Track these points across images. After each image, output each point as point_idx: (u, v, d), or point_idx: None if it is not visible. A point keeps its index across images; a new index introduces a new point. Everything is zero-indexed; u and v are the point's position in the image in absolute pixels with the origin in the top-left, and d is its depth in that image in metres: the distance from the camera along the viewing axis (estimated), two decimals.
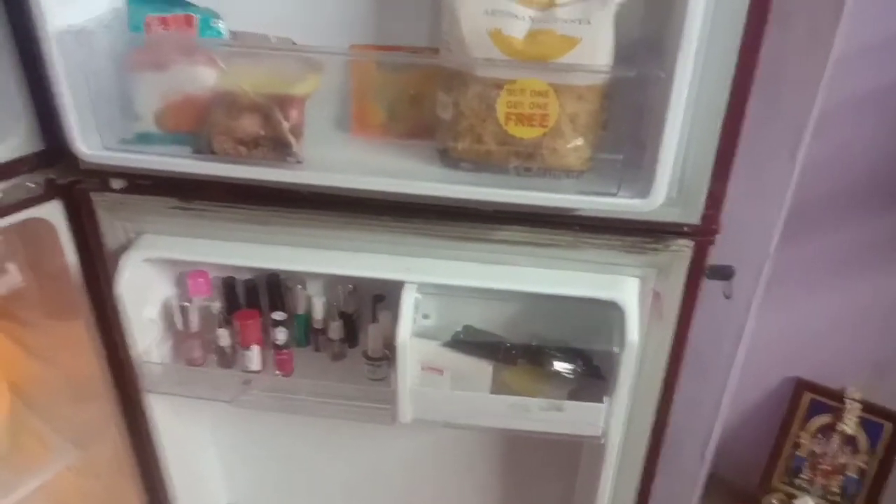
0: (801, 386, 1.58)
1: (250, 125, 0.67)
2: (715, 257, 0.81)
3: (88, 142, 0.71)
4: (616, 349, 0.77)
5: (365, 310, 0.92)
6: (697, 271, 0.76)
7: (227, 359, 0.88)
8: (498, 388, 0.81)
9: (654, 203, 0.64)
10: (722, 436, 1.51)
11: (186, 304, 0.85)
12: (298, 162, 0.68)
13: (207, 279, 0.86)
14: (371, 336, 0.87)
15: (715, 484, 1.58)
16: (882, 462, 1.46)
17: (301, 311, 0.90)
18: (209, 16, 0.69)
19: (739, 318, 1.38)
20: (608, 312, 0.77)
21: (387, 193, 0.71)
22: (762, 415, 1.61)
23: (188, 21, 0.69)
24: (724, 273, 0.81)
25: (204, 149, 0.68)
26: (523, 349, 0.82)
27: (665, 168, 0.62)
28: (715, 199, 0.71)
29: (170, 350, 0.89)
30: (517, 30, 0.60)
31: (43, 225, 0.87)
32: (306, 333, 0.92)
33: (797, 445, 1.55)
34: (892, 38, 1.26)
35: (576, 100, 0.62)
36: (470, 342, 0.82)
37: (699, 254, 0.75)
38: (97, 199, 0.83)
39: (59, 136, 0.80)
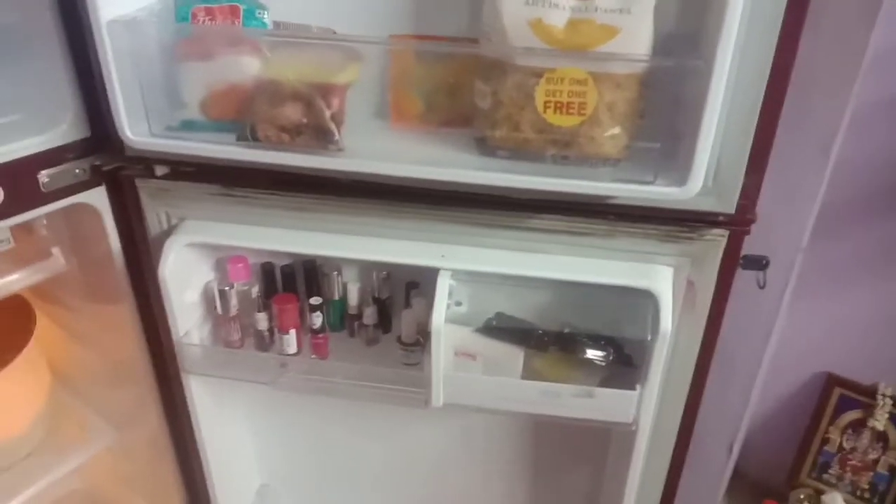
0: (832, 381, 1.57)
1: (293, 113, 0.68)
2: (748, 248, 0.81)
3: (135, 129, 0.73)
4: (649, 337, 0.77)
5: (398, 296, 0.93)
6: (731, 261, 0.77)
7: (265, 342, 0.90)
8: (529, 374, 0.83)
9: (690, 192, 0.64)
10: (749, 429, 1.51)
11: (226, 288, 0.88)
12: (339, 149, 0.69)
13: (247, 264, 0.88)
14: (405, 322, 0.88)
15: (741, 478, 1.58)
16: None
17: (336, 296, 0.92)
18: (254, 6, 0.71)
19: (771, 311, 1.38)
20: (640, 301, 0.77)
21: (424, 181, 0.72)
22: (791, 409, 1.61)
23: (233, 11, 0.71)
24: (759, 263, 0.81)
25: (247, 136, 0.70)
26: (555, 336, 0.83)
27: (702, 157, 0.63)
28: (750, 190, 0.71)
29: (209, 333, 0.92)
30: (557, 19, 0.61)
31: (87, 210, 0.90)
32: (341, 318, 0.94)
33: (826, 441, 1.54)
34: None
35: (614, 88, 0.63)
36: (502, 328, 0.83)
37: (734, 243, 0.75)
38: (141, 185, 0.85)
39: (104, 123, 0.83)
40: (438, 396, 0.83)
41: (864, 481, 1.52)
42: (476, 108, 0.69)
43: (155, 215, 0.87)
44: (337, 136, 0.69)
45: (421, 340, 0.89)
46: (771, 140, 0.69)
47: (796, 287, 1.44)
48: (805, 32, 1.04)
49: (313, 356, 0.90)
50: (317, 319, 0.88)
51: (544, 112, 0.64)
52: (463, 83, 0.69)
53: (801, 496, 1.55)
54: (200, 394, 0.94)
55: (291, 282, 0.92)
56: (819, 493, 1.55)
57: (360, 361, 0.89)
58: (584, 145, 0.65)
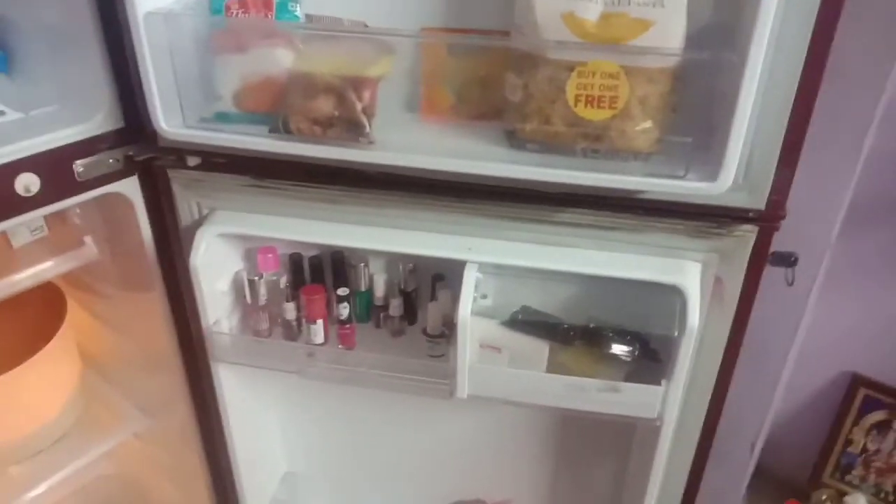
0: (857, 381, 1.56)
1: (325, 106, 0.69)
2: (776, 244, 0.81)
3: (170, 120, 0.74)
4: (676, 333, 0.77)
5: (424, 288, 0.94)
6: (760, 257, 0.76)
7: (293, 331, 0.91)
8: (554, 367, 0.83)
9: (721, 187, 0.64)
10: (772, 428, 1.50)
11: (256, 278, 0.89)
12: (370, 142, 0.70)
13: (276, 255, 0.89)
14: (431, 314, 0.89)
15: (763, 476, 1.57)
16: None
17: (363, 287, 0.93)
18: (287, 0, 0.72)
19: (798, 309, 1.37)
20: (667, 296, 0.77)
21: (453, 174, 0.73)
22: (815, 409, 1.59)
23: (266, 4, 0.72)
24: (788, 260, 0.81)
25: (280, 128, 0.71)
26: (580, 330, 0.83)
27: (734, 152, 0.62)
28: (781, 186, 0.71)
29: (238, 322, 0.93)
30: (590, 12, 0.61)
31: (120, 199, 0.92)
32: (368, 310, 0.95)
33: (850, 442, 1.53)
34: None
35: (646, 82, 0.63)
36: (528, 322, 0.83)
37: (763, 240, 0.75)
38: (173, 175, 0.86)
39: (138, 114, 0.84)
40: (463, 388, 0.84)
41: (889, 483, 1.50)
42: (507, 102, 0.69)
43: (186, 205, 0.88)
44: (368, 129, 0.70)
45: (446, 332, 0.90)
46: (803, 135, 0.68)
47: (823, 284, 1.43)
48: (841, 24, 1.03)
49: (340, 346, 0.91)
50: (344, 310, 0.89)
51: (575, 106, 0.64)
52: (494, 76, 0.69)
53: (824, 497, 1.54)
54: (229, 382, 0.96)
55: (319, 272, 0.93)
56: (842, 494, 1.54)
57: (386, 352, 0.90)
58: (615, 139, 0.65)
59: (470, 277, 0.80)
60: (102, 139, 0.86)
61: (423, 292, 0.95)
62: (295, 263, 0.92)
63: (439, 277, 0.91)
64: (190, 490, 1.23)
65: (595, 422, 0.95)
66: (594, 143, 0.66)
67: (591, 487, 1.09)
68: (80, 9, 0.79)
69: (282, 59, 0.71)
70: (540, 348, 0.83)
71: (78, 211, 1.01)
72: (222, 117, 0.74)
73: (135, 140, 0.87)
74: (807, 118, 0.68)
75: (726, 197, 0.68)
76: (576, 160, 0.67)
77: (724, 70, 0.60)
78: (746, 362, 1.03)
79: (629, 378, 0.81)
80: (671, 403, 0.80)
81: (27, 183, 0.81)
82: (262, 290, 0.90)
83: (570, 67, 0.63)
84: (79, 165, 0.84)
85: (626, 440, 1.01)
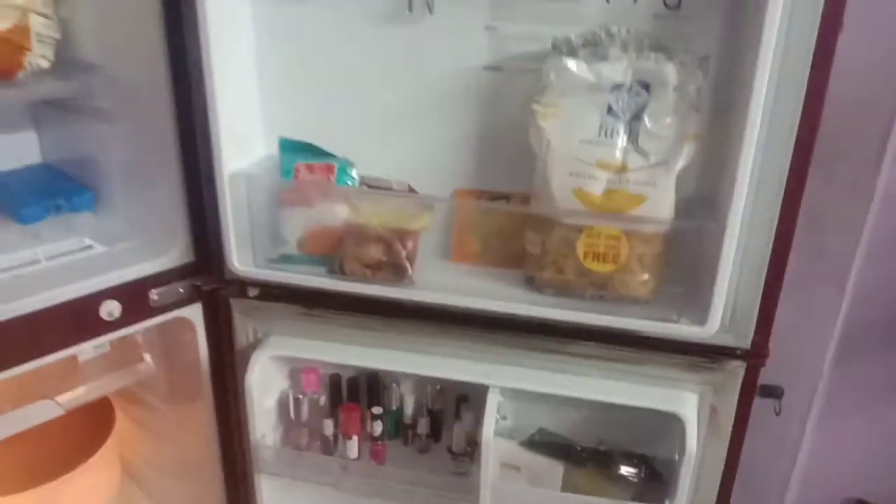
0: None
1: (375, 252, 0.83)
2: (771, 377, 0.91)
3: (242, 260, 0.88)
4: (676, 457, 0.86)
5: (449, 409, 1.04)
6: (750, 390, 0.86)
7: (329, 446, 1.01)
8: (568, 486, 0.91)
9: (709, 331, 0.76)
10: None
11: (300, 396, 0.99)
12: (412, 283, 0.83)
13: (318, 375, 1.00)
14: (455, 433, 0.98)
15: None
16: None
17: (394, 407, 1.03)
18: (346, 164, 0.87)
19: (795, 437, 1.44)
20: (668, 423, 0.87)
21: (480, 311, 0.85)
22: None
23: (329, 168, 0.87)
24: (774, 392, 0.91)
25: (336, 269, 0.85)
26: (592, 452, 0.92)
27: (719, 302, 0.74)
28: (763, 328, 0.82)
29: (280, 436, 1.03)
30: (596, 188, 0.75)
31: (183, 323, 1.03)
32: (397, 428, 1.04)
33: None
34: None
35: (643, 243, 0.76)
36: (544, 443, 0.93)
37: (751, 374, 0.85)
38: (235, 303, 0.99)
39: (208, 250, 0.98)
40: (486, 503, 0.92)
41: None
42: (526, 253, 0.83)
43: (244, 330, 1.00)
44: (410, 273, 0.83)
45: (469, 451, 0.99)
46: (779, 286, 0.80)
47: (825, 412, 1.50)
48: (818, 179, 1.18)
49: (372, 461, 1.00)
50: (377, 427, 0.99)
51: (584, 260, 0.77)
52: (516, 232, 0.83)
53: None
54: (268, 492, 1.04)
55: (355, 392, 1.03)
56: None
57: (414, 468, 0.99)
58: (618, 288, 0.78)
59: (492, 401, 0.90)
60: (175, 271, 0.99)
61: (447, 413, 1.04)
62: (334, 384, 1.03)
63: (463, 398, 1.01)
64: None
65: None
66: (600, 290, 0.78)
67: None
68: (167, 162, 0.94)
69: (339, 213, 0.85)
70: (555, 468, 0.92)
71: (142, 331, 1.13)
72: (286, 258, 0.88)
73: (202, 272, 1.00)
74: (781, 273, 0.80)
75: (715, 337, 0.80)
76: (585, 303, 0.80)
77: (707, 235, 0.73)
78: (750, 492, 1.10)
79: (636, 497, 0.89)
80: None
81: (111, 309, 0.93)
82: (305, 408, 1.00)
83: (580, 229, 0.76)
84: (154, 294, 0.97)
85: None
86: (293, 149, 0.88)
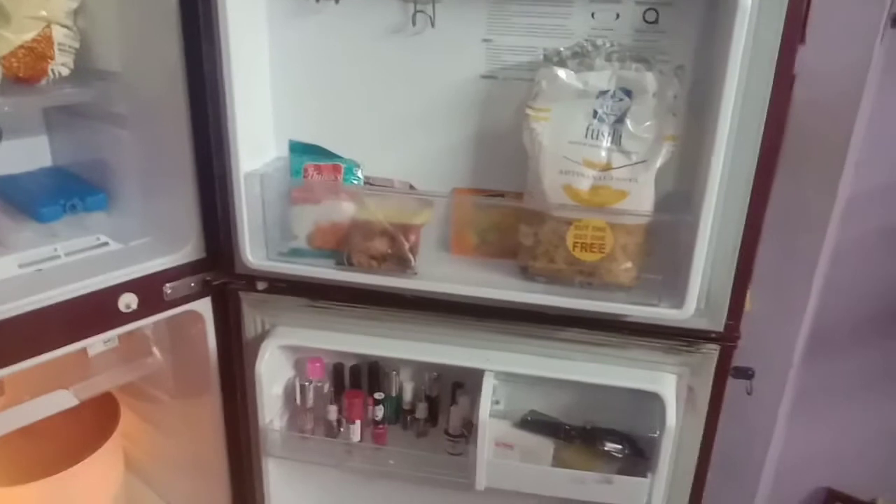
0: (832, 496, 1.68)
1: (381, 245, 0.90)
2: (743, 361, 0.99)
3: (255, 254, 0.94)
4: (657, 433, 0.94)
5: (445, 395, 1.11)
6: (723, 370, 0.94)
7: (333, 430, 1.07)
8: (558, 462, 0.99)
9: (686, 313, 0.84)
10: None
11: (305, 383, 1.06)
12: (415, 273, 0.90)
13: (322, 364, 1.06)
14: (452, 416, 1.05)
15: None
16: None
17: (394, 393, 1.09)
18: (352, 165, 0.94)
19: (768, 425, 1.53)
20: (649, 402, 0.95)
21: (476, 298, 0.92)
22: None
23: (336, 169, 0.94)
24: (745, 374, 0.99)
25: (344, 261, 0.91)
26: (579, 431, 0.99)
27: (694, 287, 0.82)
28: (734, 313, 0.90)
29: (286, 422, 1.09)
30: (583, 184, 0.83)
31: (193, 316, 1.09)
32: (397, 413, 1.11)
33: None
34: None
35: (626, 234, 0.84)
36: (535, 423, 1.00)
37: (724, 356, 0.93)
38: (244, 296, 1.05)
39: (218, 247, 1.04)
40: (482, 480, 0.99)
41: None
42: (520, 245, 0.90)
43: (252, 321, 1.06)
44: (413, 263, 0.90)
45: (465, 433, 1.06)
46: (748, 275, 0.89)
47: (796, 404, 1.59)
48: (787, 181, 1.27)
49: (374, 444, 1.06)
50: (379, 412, 1.05)
51: (573, 250, 0.84)
52: (510, 226, 0.91)
53: None
54: (275, 476, 1.10)
55: (357, 380, 1.10)
56: None
57: (413, 450, 1.05)
58: (604, 275, 0.85)
59: (488, 384, 0.97)
60: (187, 266, 1.05)
61: (444, 398, 1.11)
62: (337, 372, 1.09)
63: (459, 385, 1.08)
64: None
65: None
66: (588, 277, 0.86)
67: None
68: (181, 165, 1.00)
69: (346, 210, 0.92)
70: (546, 446, 0.99)
71: (152, 324, 1.19)
72: (296, 252, 0.94)
73: (212, 268, 1.07)
74: (750, 261, 0.88)
75: (691, 321, 0.88)
76: (574, 290, 0.87)
77: (684, 227, 0.81)
78: (726, 479, 1.17)
79: (621, 471, 0.97)
80: (656, 493, 0.95)
81: (128, 301, 0.99)
82: (310, 395, 1.06)
83: (569, 222, 0.84)
84: (168, 288, 1.03)
85: None
86: (302, 150, 0.95)
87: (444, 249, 0.98)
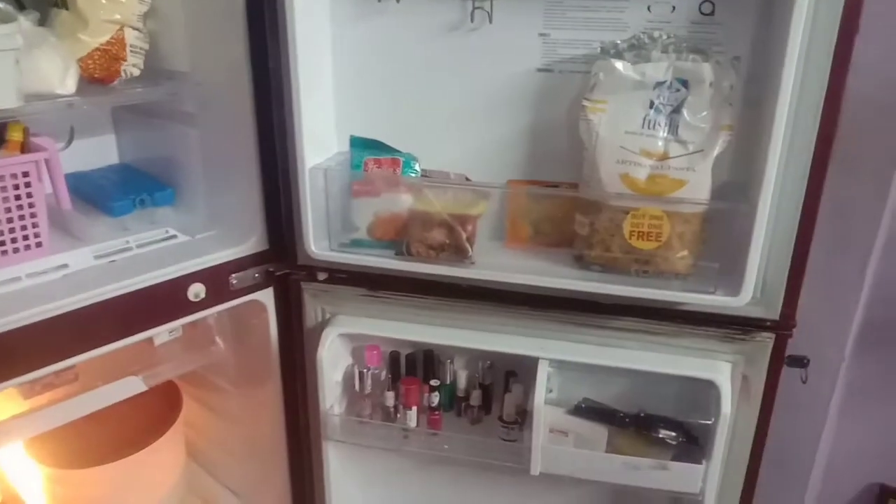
0: (886, 492, 1.65)
1: (439, 235, 0.93)
2: (795, 349, 0.99)
3: (319, 245, 0.98)
4: (712, 420, 0.95)
5: (498, 383, 1.13)
6: (778, 359, 0.95)
7: (390, 416, 1.10)
8: (612, 449, 1.00)
9: (742, 301, 0.85)
10: None
11: (364, 371, 1.09)
12: (472, 263, 0.93)
13: (379, 352, 1.10)
14: (506, 403, 1.08)
15: None
16: None
17: (448, 381, 1.12)
18: (410, 159, 0.97)
19: (819, 418, 1.52)
20: (704, 390, 0.96)
21: (531, 287, 0.95)
22: None
23: (395, 163, 0.97)
24: (801, 362, 1.00)
25: (404, 252, 0.95)
26: (633, 418, 1.01)
27: (751, 275, 0.83)
28: (790, 301, 0.91)
29: (345, 407, 1.13)
30: (641, 174, 0.85)
31: (255, 305, 1.14)
32: (451, 400, 1.14)
33: None
34: None
35: (683, 222, 0.85)
36: (589, 409, 1.02)
37: (779, 344, 0.94)
38: (305, 286, 1.09)
39: (281, 239, 1.08)
40: (536, 466, 1.01)
41: None
42: (575, 234, 0.92)
43: (313, 311, 1.10)
44: (471, 253, 0.93)
45: (518, 420, 1.08)
46: (804, 264, 0.89)
47: (847, 399, 1.57)
48: (842, 174, 1.26)
49: (429, 429, 1.09)
50: (434, 399, 1.08)
51: (630, 238, 0.86)
52: (564, 217, 0.93)
53: None
54: (334, 460, 1.14)
55: (413, 367, 1.13)
56: None
57: (468, 435, 1.08)
58: (660, 263, 0.87)
59: (542, 372, 0.99)
60: (252, 258, 1.09)
61: (497, 386, 1.14)
62: (393, 359, 1.13)
63: (512, 373, 1.11)
64: None
65: (645, 498, 1.10)
66: (644, 266, 0.88)
67: None
68: (246, 160, 1.05)
69: (405, 202, 0.95)
70: (600, 432, 1.01)
71: (216, 314, 1.24)
72: (357, 243, 0.98)
73: (274, 259, 1.11)
74: (806, 249, 0.89)
75: (747, 309, 0.89)
76: (630, 278, 0.89)
77: (740, 215, 0.83)
78: (777, 475, 1.16)
79: (674, 459, 0.98)
80: (711, 480, 0.96)
81: (197, 291, 1.04)
82: (368, 381, 1.10)
83: (626, 211, 0.86)
84: (234, 278, 1.08)
85: None
86: (362, 145, 0.98)
87: (498, 240, 1.00)
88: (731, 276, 0.86)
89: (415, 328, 1.06)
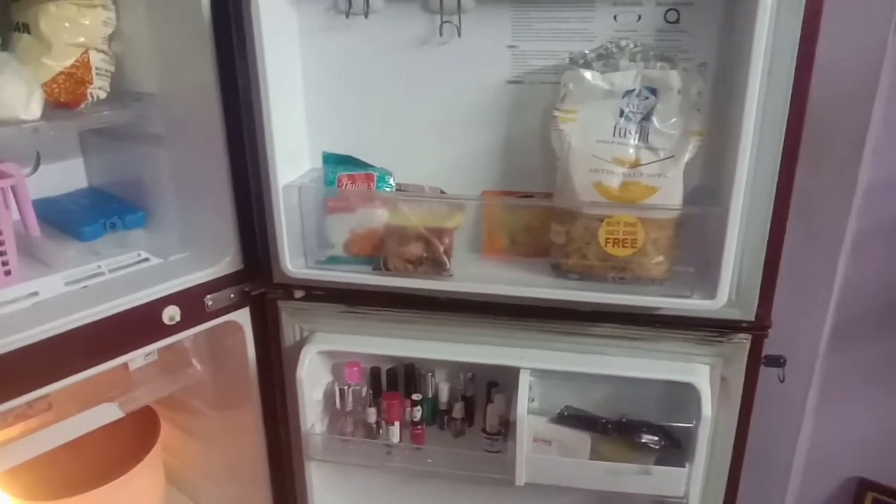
0: (864, 486, 1.67)
1: (416, 249, 0.92)
2: (770, 349, 1.00)
3: (294, 263, 0.97)
4: (693, 423, 0.96)
5: (480, 394, 1.13)
6: (755, 359, 0.96)
7: (373, 432, 1.09)
8: (595, 456, 1.00)
9: (718, 304, 0.86)
10: None
11: (344, 387, 1.08)
12: (450, 275, 0.93)
13: (360, 368, 1.09)
14: (489, 414, 1.07)
15: None
16: None
17: (430, 394, 1.12)
18: (384, 173, 0.97)
19: (796, 415, 1.54)
20: (683, 393, 0.96)
21: (508, 297, 0.95)
22: None
23: (369, 178, 0.97)
24: (778, 361, 1.01)
25: (381, 267, 0.94)
26: (616, 424, 1.01)
27: (725, 278, 0.84)
28: (765, 301, 0.92)
29: (326, 426, 1.11)
30: (613, 181, 0.85)
31: (231, 326, 1.12)
32: (433, 414, 1.13)
33: None
34: None
35: (657, 228, 0.86)
36: (572, 417, 1.02)
37: (756, 345, 0.95)
38: (282, 305, 1.08)
39: (256, 258, 1.07)
40: (521, 476, 1.01)
41: None
42: (552, 243, 0.93)
43: (290, 329, 1.09)
44: (448, 266, 0.93)
45: (502, 431, 1.08)
46: (777, 264, 0.90)
47: (824, 394, 1.59)
48: (807, 171, 1.29)
49: (413, 444, 1.09)
50: (417, 413, 1.08)
51: (606, 246, 0.87)
52: (540, 226, 0.93)
53: None
54: (317, 480, 1.12)
55: (394, 382, 1.12)
56: None
57: (452, 448, 1.08)
58: (636, 269, 0.88)
59: (524, 381, 0.99)
60: (227, 278, 1.08)
61: (479, 398, 1.13)
62: (374, 375, 1.12)
63: (494, 384, 1.10)
64: None
65: (631, 503, 1.11)
66: (620, 272, 0.88)
67: None
68: (218, 180, 1.04)
69: (381, 217, 0.95)
70: (583, 440, 1.01)
71: (192, 336, 1.22)
72: (333, 260, 0.97)
73: (250, 278, 1.10)
74: (778, 252, 0.90)
75: (723, 312, 0.90)
76: (606, 285, 0.90)
77: (713, 219, 0.84)
78: (756, 471, 1.17)
79: (658, 463, 0.98)
80: (694, 483, 0.97)
81: (172, 314, 1.02)
82: (349, 398, 1.09)
83: (601, 219, 0.86)
84: (209, 299, 1.06)
85: None
86: (335, 161, 0.97)
87: (476, 251, 1.00)
88: (706, 280, 0.87)
89: (395, 343, 1.05)
